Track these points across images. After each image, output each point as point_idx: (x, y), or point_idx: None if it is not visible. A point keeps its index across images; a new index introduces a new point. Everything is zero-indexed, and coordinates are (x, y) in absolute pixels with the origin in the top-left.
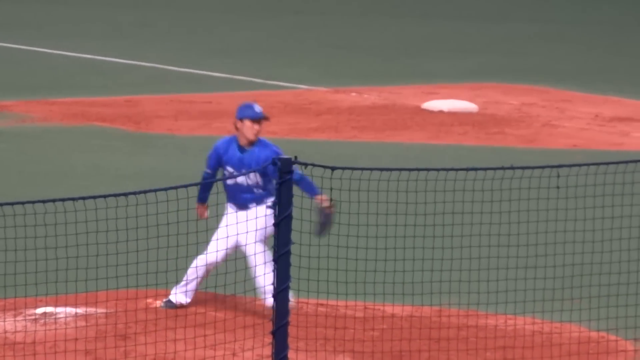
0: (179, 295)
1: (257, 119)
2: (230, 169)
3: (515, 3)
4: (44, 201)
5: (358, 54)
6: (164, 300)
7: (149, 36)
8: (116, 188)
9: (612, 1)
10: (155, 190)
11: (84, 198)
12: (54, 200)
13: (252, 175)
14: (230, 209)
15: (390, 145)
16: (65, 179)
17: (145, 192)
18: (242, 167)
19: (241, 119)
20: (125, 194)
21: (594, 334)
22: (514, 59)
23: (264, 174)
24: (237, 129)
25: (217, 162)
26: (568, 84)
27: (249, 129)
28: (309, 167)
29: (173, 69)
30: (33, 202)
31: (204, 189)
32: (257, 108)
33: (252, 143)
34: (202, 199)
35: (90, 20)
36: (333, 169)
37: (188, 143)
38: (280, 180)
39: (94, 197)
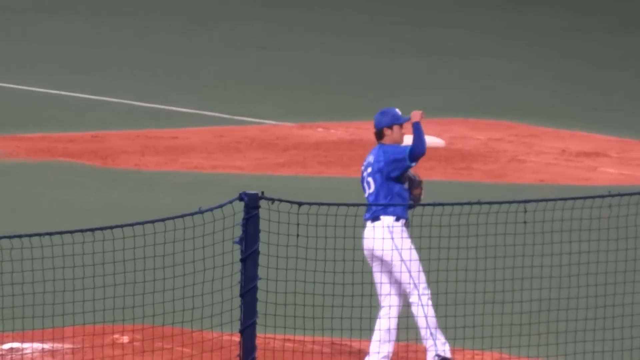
0: None
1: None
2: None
3: (481, 38)
4: (10, 237)
5: (324, 89)
6: None
7: (114, 71)
8: (83, 223)
9: (578, 37)
10: (122, 226)
11: (50, 234)
12: (20, 236)
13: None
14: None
15: (357, 181)
16: (32, 215)
17: (112, 227)
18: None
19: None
20: (92, 230)
21: None
22: (480, 94)
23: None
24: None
25: None
26: (535, 119)
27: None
28: (276, 203)
29: (139, 104)
30: None
31: None
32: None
33: None
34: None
35: (55, 55)
36: (300, 204)
37: (155, 178)
38: (247, 216)
39: (61, 233)
